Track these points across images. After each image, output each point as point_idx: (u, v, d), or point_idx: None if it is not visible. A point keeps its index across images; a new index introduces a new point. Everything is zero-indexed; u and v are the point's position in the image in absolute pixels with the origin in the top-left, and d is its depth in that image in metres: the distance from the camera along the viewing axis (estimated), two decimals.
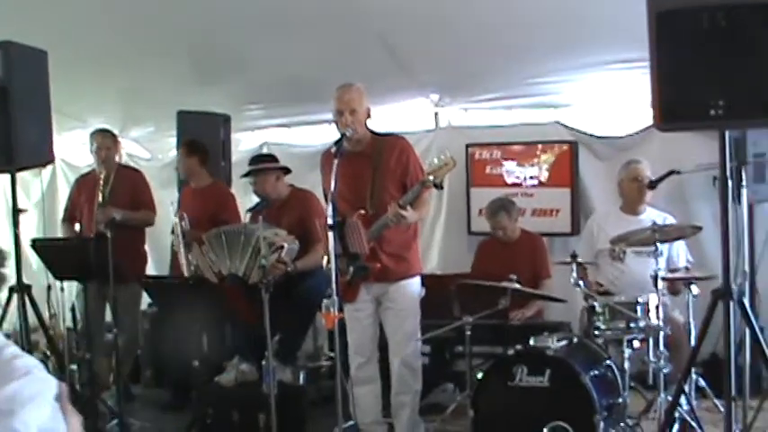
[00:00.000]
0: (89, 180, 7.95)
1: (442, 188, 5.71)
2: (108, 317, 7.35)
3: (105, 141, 7.87)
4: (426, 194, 5.81)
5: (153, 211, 8.06)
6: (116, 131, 8.52)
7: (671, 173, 6.68)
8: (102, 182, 7.31)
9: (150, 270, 8.83)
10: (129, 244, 7.54)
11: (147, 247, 8.24)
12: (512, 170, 8.43)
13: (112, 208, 7.22)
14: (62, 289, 7.37)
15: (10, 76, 5.99)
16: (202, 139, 8.19)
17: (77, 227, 7.86)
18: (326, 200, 5.50)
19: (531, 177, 8.35)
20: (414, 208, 5.65)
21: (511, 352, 5.71)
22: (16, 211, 6.44)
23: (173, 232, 7.60)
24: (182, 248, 7.56)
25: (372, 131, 6.00)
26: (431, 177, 5.47)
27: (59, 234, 8.34)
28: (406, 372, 6.01)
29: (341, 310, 5.27)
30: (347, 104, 5.78)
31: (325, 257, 5.58)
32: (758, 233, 7.19)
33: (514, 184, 8.41)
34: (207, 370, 6.70)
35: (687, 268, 6.42)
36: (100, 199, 7.28)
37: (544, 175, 8.31)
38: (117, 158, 8.22)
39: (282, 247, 6.59)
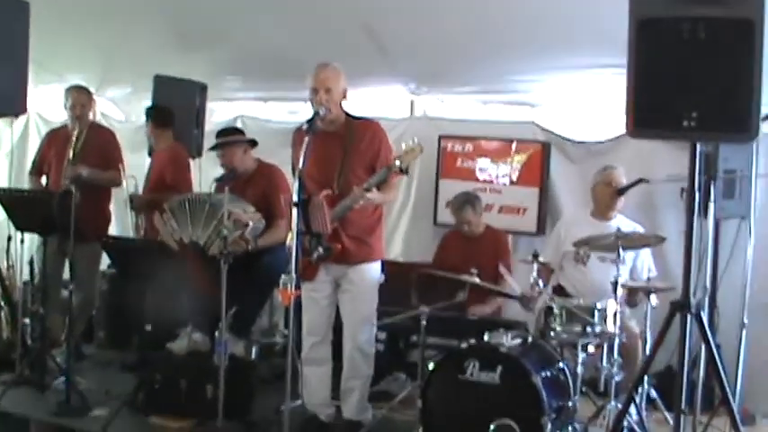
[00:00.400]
0: (60, 135, 7.90)
1: (407, 173, 5.66)
2: (66, 274, 7.29)
3: (81, 98, 7.80)
4: (394, 179, 5.79)
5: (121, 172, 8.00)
6: (92, 89, 8.45)
7: (639, 181, 6.70)
8: (74, 138, 7.27)
9: (113, 231, 8.76)
10: (94, 203, 7.54)
11: (111, 208, 8.17)
12: (485, 167, 8.41)
13: (81, 165, 7.19)
14: (22, 241, 7.31)
15: None
16: (177, 105, 8.17)
17: (44, 180, 7.80)
18: (294, 176, 5.47)
19: (504, 175, 8.33)
20: (380, 191, 5.65)
21: (464, 345, 5.69)
22: None
23: None
24: (128, 212, 7.63)
25: (347, 113, 5.98)
26: (397, 162, 5.47)
27: (27, 186, 8.24)
28: (359, 356, 6.00)
29: (298, 287, 5.24)
30: (323, 83, 5.76)
31: (289, 234, 5.55)
32: (723, 250, 7.17)
33: (484, 180, 8.39)
34: (159, 335, 6.66)
35: (649, 278, 6.43)
36: (70, 155, 7.23)
37: (515, 174, 8.30)
38: (90, 116, 8.13)
39: (247, 225, 6.56)
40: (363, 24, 7.34)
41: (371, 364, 6.12)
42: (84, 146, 7.42)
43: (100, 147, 7.77)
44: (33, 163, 8.15)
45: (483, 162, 8.41)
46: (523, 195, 8.21)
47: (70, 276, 6.64)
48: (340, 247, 5.77)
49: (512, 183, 8.29)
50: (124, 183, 7.73)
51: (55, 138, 8.00)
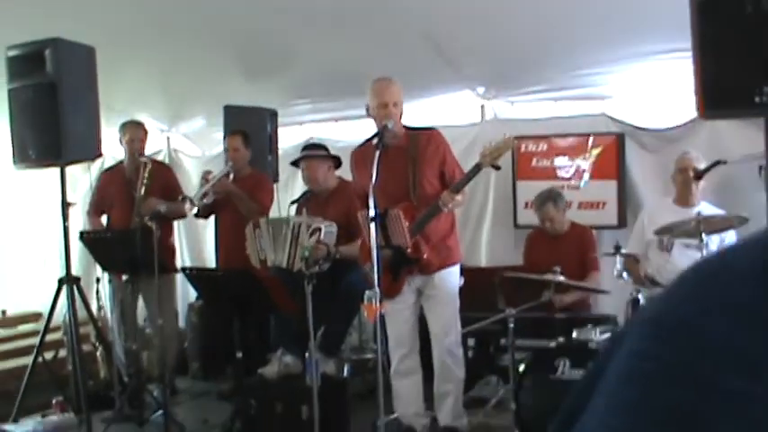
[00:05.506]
0: (116, 173, 8.00)
1: (499, 168, 5.86)
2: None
3: (138, 132, 7.91)
4: None
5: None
6: (165, 126, 8.53)
7: (717, 163, 6.59)
8: (145, 174, 7.33)
9: (188, 263, 9.00)
10: (162, 236, 7.55)
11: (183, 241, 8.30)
12: (562, 165, 8.32)
13: (156, 199, 7.24)
14: (110, 281, 7.46)
15: (59, 72, 6.08)
16: (249, 133, 8.25)
17: (104, 219, 7.87)
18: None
19: (582, 171, 8.24)
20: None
21: (553, 344, 5.66)
22: (65, 205, 6.50)
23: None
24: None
25: (404, 125, 6.06)
26: (489, 160, 5.62)
27: (86, 227, 8.20)
28: (449, 359, 6.01)
29: (383, 302, 5.25)
30: (391, 96, 5.88)
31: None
32: None
33: (562, 177, 8.31)
34: (250, 362, 6.72)
35: None
36: (142, 192, 7.31)
37: (591, 168, 8.19)
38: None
39: (320, 229, 6.61)
40: (422, 32, 7.35)
41: (462, 366, 6.13)
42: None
43: (161, 182, 7.81)
44: (90, 204, 8.13)
45: (560, 160, 8.33)
46: (601, 189, 8.09)
47: (147, 312, 6.73)
48: (426, 257, 5.82)
49: (589, 177, 8.22)
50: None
51: (110, 176, 8.05)
